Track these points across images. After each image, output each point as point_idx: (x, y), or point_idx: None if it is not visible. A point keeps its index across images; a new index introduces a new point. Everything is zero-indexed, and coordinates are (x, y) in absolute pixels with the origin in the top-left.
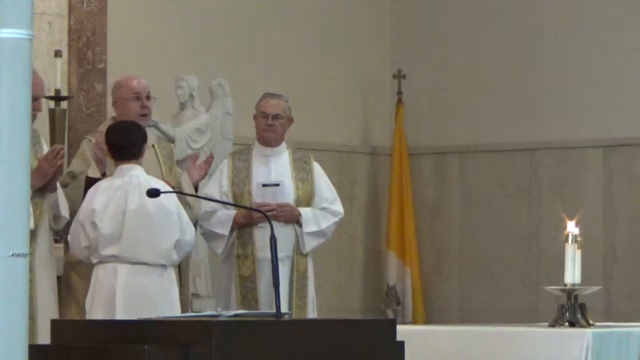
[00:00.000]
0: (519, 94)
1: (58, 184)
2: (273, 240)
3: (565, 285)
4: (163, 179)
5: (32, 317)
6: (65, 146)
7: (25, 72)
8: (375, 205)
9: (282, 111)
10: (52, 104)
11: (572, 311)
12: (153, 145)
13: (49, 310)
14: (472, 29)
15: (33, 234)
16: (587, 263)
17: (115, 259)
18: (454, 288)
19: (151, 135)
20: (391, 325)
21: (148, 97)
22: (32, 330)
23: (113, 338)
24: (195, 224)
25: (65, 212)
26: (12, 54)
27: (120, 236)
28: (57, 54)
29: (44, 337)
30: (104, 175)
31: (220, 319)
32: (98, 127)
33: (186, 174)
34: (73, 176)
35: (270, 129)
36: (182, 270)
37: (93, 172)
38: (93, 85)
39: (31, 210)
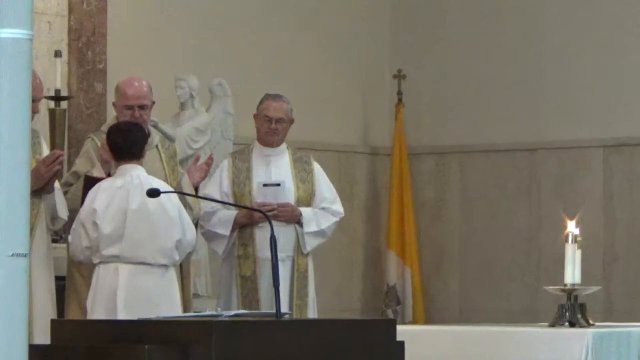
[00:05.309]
0: (518, 94)
1: (56, 185)
2: (273, 240)
3: (565, 285)
4: (166, 179)
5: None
6: (65, 146)
7: (25, 72)
8: (375, 205)
9: (285, 114)
10: (52, 104)
11: (572, 311)
12: (157, 146)
13: (46, 310)
14: (472, 29)
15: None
16: (587, 263)
17: (116, 259)
18: (454, 288)
19: (156, 135)
20: (391, 325)
21: (142, 107)
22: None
23: (113, 338)
24: (195, 224)
25: (63, 213)
26: (12, 54)
27: (122, 236)
28: (57, 54)
29: (40, 338)
30: (108, 175)
31: (220, 319)
32: (101, 127)
33: (187, 175)
34: (77, 176)
35: (273, 132)
36: (183, 270)
37: (98, 173)
38: (93, 85)
39: None
